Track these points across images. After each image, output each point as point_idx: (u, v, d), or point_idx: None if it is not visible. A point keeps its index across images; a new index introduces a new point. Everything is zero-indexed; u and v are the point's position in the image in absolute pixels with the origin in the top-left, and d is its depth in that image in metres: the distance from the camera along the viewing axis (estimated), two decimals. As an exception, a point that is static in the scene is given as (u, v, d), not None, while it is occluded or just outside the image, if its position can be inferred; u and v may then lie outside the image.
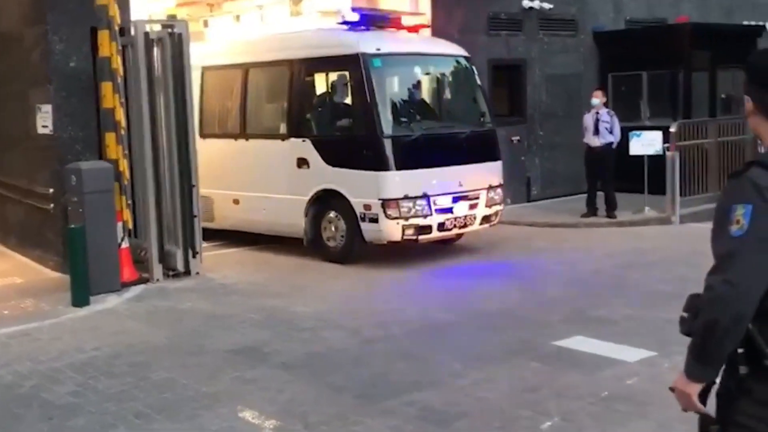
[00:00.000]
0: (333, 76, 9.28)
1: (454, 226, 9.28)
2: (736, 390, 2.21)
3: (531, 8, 13.56)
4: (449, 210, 9.18)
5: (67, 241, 8.05)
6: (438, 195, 9.05)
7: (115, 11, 8.34)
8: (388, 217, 8.81)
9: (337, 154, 9.26)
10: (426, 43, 10.36)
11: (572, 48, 14.40)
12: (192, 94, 9.12)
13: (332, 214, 9.32)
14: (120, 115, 8.37)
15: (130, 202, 8.57)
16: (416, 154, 9.06)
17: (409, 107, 9.53)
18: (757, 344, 2.17)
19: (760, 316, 2.16)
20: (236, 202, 10.27)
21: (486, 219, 9.60)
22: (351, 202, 9.06)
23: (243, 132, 10.30)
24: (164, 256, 8.68)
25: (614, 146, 11.64)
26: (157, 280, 8.55)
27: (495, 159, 9.89)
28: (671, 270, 8.51)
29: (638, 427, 4.73)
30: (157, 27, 8.89)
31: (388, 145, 8.90)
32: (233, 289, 8.39)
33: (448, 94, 10.25)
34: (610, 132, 11.59)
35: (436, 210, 9.03)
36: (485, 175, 9.59)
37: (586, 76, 14.38)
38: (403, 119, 9.29)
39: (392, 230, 8.86)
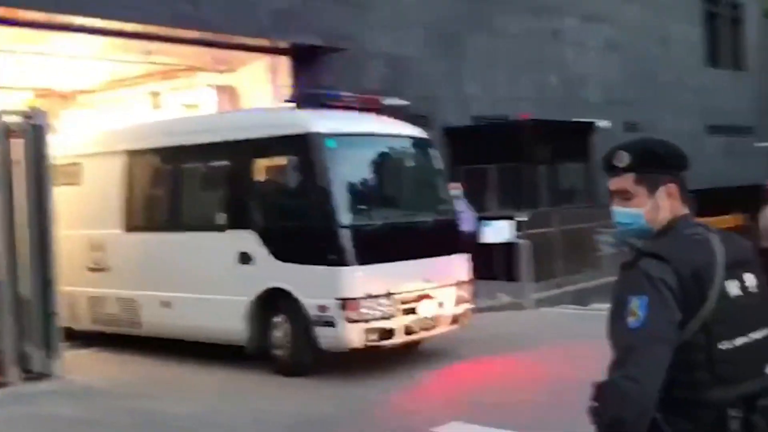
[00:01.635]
0: (281, 158, 8.22)
1: (421, 328, 8.22)
2: None
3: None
4: (414, 310, 8.13)
5: None
6: (402, 293, 8.00)
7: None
8: (347, 319, 7.66)
9: (286, 246, 8.14)
10: (381, 123, 9.25)
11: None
12: (49, 185, 8.45)
13: (280, 318, 8.12)
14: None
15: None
16: (378, 247, 8.09)
17: (368, 193, 8.55)
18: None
19: (666, 406, 2.19)
20: (166, 304, 8.98)
21: (455, 319, 8.58)
22: (302, 302, 7.88)
23: (175, 223, 9.17)
24: (23, 357, 8.20)
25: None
26: (15, 383, 8.04)
27: (460, 251, 8.95)
28: (531, 353, 8.94)
29: None
30: (16, 118, 8.64)
31: (346, 236, 7.82)
32: (98, 391, 8.02)
33: (407, 179, 9.32)
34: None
35: (400, 311, 7.97)
36: (452, 269, 8.67)
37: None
38: (362, 207, 8.25)
39: (352, 335, 7.71)
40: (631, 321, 2.16)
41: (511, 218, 12.52)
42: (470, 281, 8.90)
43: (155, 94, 12.57)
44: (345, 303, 7.68)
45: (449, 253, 8.71)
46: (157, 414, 7.11)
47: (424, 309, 8.20)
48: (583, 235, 13.70)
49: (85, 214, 9.84)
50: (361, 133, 8.69)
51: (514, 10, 17.55)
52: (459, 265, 8.81)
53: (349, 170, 8.36)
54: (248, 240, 8.30)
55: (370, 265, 7.91)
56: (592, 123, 16.87)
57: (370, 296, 7.74)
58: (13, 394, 7.86)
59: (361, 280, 7.81)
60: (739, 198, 25.54)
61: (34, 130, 8.46)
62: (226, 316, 8.40)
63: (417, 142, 9.20)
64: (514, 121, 15.94)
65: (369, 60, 14.01)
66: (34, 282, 8.36)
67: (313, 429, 6.64)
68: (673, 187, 2.35)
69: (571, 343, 9.50)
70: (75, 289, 9.60)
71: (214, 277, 8.61)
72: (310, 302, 7.85)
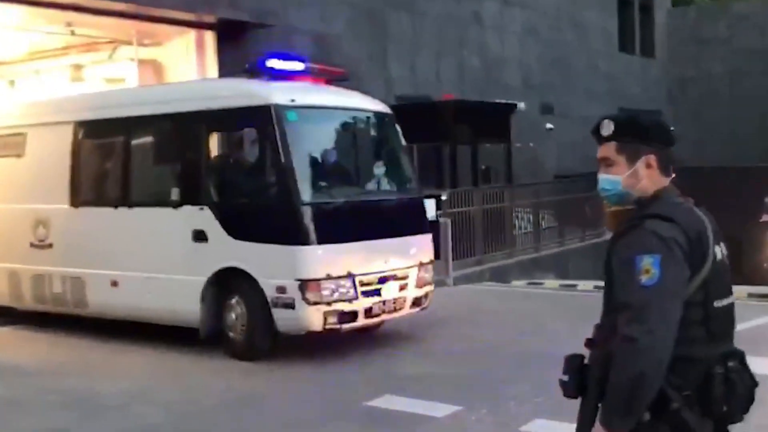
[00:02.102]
0: (239, 131, 7.90)
1: (383, 311, 7.89)
2: None
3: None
4: (376, 292, 7.78)
5: None
6: (364, 275, 7.65)
7: None
8: (306, 301, 7.32)
9: (243, 224, 7.72)
10: (343, 95, 8.71)
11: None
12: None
13: (235, 300, 7.72)
14: None
15: None
16: (340, 226, 7.74)
17: (329, 169, 8.12)
18: (664, 391, 2.30)
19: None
20: (114, 284, 8.53)
21: (417, 302, 8.28)
22: (260, 283, 7.51)
23: (125, 198, 8.63)
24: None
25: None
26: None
27: (424, 231, 8.63)
28: (458, 329, 9.24)
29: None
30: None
31: (307, 213, 7.44)
32: (25, 371, 7.88)
33: (370, 156, 8.81)
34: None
35: (362, 293, 7.62)
36: (415, 250, 8.31)
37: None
38: (323, 183, 7.85)
39: (312, 318, 7.37)
40: (645, 279, 2.27)
41: (432, 197, 12.78)
42: (431, 262, 8.56)
43: (77, 67, 12.26)
44: (305, 284, 7.33)
45: (413, 233, 8.39)
46: (86, 392, 7.07)
47: (387, 291, 7.88)
48: (503, 214, 14.11)
49: (28, 187, 9.39)
50: (322, 106, 8.20)
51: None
52: (423, 246, 8.47)
53: (310, 145, 7.93)
54: (203, 217, 7.86)
55: (332, 245, 7.56)
56: (513, 105, 17.31)
57: (331, 277, 7.39)
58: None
59: (321, 260, 7.45)
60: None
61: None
62: (179, 297, 8.00)
63: (380, 116, 8.76)
64: (437, 101, 16.21)
65: (294, 37, 13.99)
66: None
67: (242, 404, 6.74)
68: (652, 158, 2.49)
69: (494, 317, 9.88)
70: (16, 266, 9.31)
71: (167, 256, 8.20)
72: (267, 283, 7.48)
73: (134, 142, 8.76)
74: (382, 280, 7.83)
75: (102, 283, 8.59)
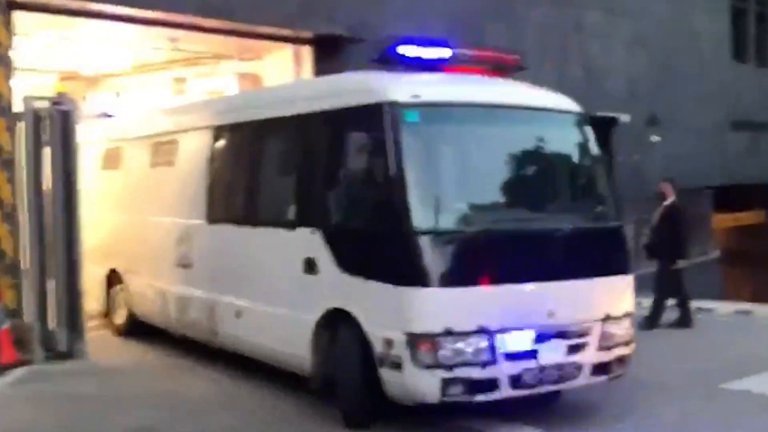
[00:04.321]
0: (351, 136, 6.22)
1: (540, 381, 5.92)
2: None
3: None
4: (531, 354, 5.85)
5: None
6: (509, 330, 5.76)
7: (4, 88, 8.28)
8: (417, 363, 5.57)
9: (353, 254, 6.18)
10: (502, 89, 6.85)
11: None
12: (77, 169, 8.47)
13: (340, 350, 6.27)
14: (6, 193, 8.22)
15: (16, 281, 8.34)
16: (472, 262, 5.81)
17: (469, 187, 6.18)
18: None
19: None
20: (239, 314, 7.39)
21: (601, 368, 6.21)
22: (367, 333, 5.91)
23: (249, 216, 7.46)
24: (47, 337, 8.43)
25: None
26: (39, 362, 8.28)
27: (619, 272, 6.45)
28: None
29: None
30: (45, 103, 8.85)
31: (424, 244, 5.65)
32: (121, 372, 8.22)
33: (541, 169, 6.67)
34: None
35: (504, 355, 5.74)
36: (599, 298, 6.24)
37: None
38: (457, 205, 5.90)
39: (424, 385, 5.62)
40: None
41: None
42: (629, 314, 6.45)
43: (180, 80, 12.74)
44: (415, 339, 5.56)
45: (597, 275, 6.25)
46: (175, 393, 7.30)
47: (548, 353, 5.91)
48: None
49: (175, 199, 8.65)
50: (464, 103, 6.27)
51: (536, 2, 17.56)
52: (615, 292, 6.39)
53: (441, 154, 6.15)
54: (314, 242, 6.41)
55: (459, 288, 5.72)
56: (613, 118, 16.80)
57: (453, 333, 5.58)
58: (37, 372, 8.08)
59: (441, 308, 5.66)
60: (761, 195, 25.41)
61: (62, 116, 8.65)
62: (290, 338, 6.69)
63: (560, 117, 6.74)
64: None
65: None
66: (60, 262, 8.57)
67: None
68: None
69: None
70: (164, 286, 8.76)
71: (281, 286, 6.93)
72: (375, 333, 5.84)
73: (252, 149, 7.62)
74: (541, 338, 5.90)
75: (229, 312, 7.53)
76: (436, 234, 5.70)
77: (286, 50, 12.53)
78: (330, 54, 12.55)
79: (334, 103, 6.55)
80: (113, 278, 9.94)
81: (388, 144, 5.84)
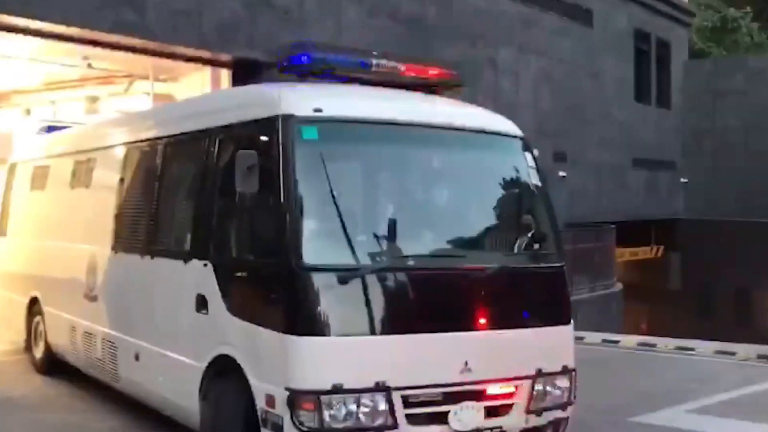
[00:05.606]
0: (242, 156, 5.07)
1: None
2: None
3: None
4: (440, 418, 4.94)
5: None
6: (413, 388, 4.85)
7: None
8: (298, 425, 4.67)
9: (240, 293, 5.36)
10: (431, 106, 5.92)
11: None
12: None
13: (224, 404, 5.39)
14: None
15: None
16: (371, 306, 4.88)
17: (375, 217, 5.31)
18: None
19: None
20: (137, 357, 6.49)
21: None
22: (252, 386, 5.00)
23: (146, 245, 6.58)
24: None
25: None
26: None
27: (557, 321, 5.54)
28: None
29: None
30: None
31: (312, 283, 4.78)
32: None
33: (466, 199, 5.75)
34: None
35: (407, 417, 4.83)
36: (530, 350, 5.31)
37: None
38: (358, 238, 4.94)
39: None
40: None
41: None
42: (568, 371, 5.48)
43: (93, 99, 12.39)
44: (296, 397, 4.67)
45: (526, 325, 5.35)
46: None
47: (462, 417, 4.98)
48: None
49: (85, 223, 7.84)
50: (375, 120, 5.36)
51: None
52: (548, 345, 5.43)
53: (341, 178, 5.08)
54: (206, 277, 5.54)
55: (353, 338, 4.82)
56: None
57: (342, 390, 4.67)
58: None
59: (328, 360, 4.75)
60: (658, 230, 26.55)
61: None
62: (180, 387, 5.79)
63: (491, 140, 5.81)
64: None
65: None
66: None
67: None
68: None
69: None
70: (73, 319, 7.74)
71: (175, 327, 6.05)
72: (259, 387, 4.95)
73: (152, 170, 6.76)
74: (453, 398, 4.96)
75: (129, 354, 6.62)
76: (328, 271, 4.78)
77: (204, 72, 12.40)
78: (249, 78, 12.45)
79: (229, 118, 5.69)
80: (33, 308, 8.76)
81: (280, 164, 4.94)
